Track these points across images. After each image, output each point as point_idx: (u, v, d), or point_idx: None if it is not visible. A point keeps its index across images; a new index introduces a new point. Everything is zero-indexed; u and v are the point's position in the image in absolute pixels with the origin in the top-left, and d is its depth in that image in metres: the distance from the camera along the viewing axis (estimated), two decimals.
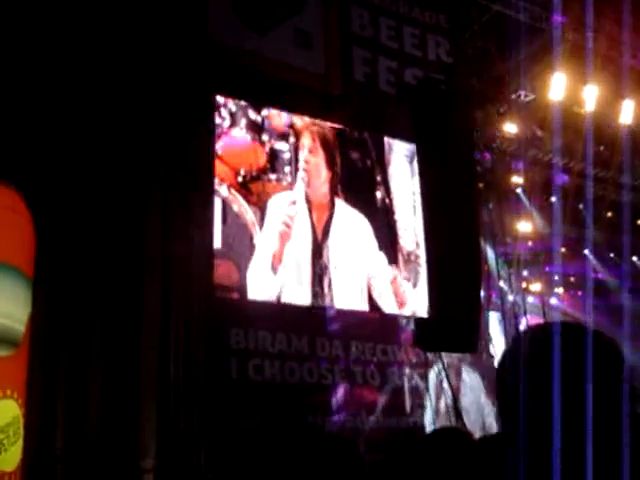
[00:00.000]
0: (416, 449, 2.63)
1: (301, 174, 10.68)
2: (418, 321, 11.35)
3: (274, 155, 10.85)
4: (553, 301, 13.89)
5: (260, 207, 10.47)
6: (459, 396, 11.96)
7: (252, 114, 10.76)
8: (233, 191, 10.28)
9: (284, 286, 10.20)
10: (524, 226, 12.68)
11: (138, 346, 8.18)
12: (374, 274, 11.11)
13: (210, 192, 9.80)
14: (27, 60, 7.80)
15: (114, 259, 8.28)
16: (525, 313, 12.71)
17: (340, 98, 11.40)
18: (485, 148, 12.38)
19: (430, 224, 11.32)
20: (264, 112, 10.89)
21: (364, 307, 11.05)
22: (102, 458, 7.83)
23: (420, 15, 12.70)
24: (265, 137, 10.86)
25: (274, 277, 10.12)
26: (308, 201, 10.68)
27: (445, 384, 11.74)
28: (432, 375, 11.67)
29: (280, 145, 10.96)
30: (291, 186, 10.90)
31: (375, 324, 11.35)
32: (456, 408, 11.62)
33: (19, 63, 7.73)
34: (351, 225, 11.03)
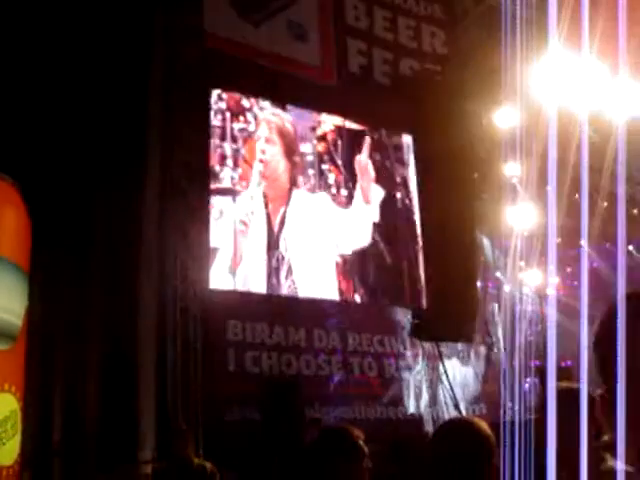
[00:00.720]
0: (432, 440, 2.64)
1: (258, 166, 10.60)
2: (415, 312, 11.37)
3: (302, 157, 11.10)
4: (549, 291, 13.88)
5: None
6: (450, 386, 11.95)
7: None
8: None
9: (242, 281, 10.20)
10: (520, 216, 12.69)
11: (135, 339, 8.19)
12: (340, 243, 11.19)
13: (206, 184, 9.81)
14: (25, 59, 7.78)
15: (110, 252, 8.28)
16: (521, 303, 12.73)
17: (335, 89, 11.40)
18: (480, 138, 12.37)
19: (426, 215, 11.34)
20: (289, 116, 11.07)
21: (330, 294, 11.01)
22: (100, 449, 7.85)
23: (415, 6, 12.69)
24: None
25: (232, 278, 10.09)
26: (265, 195, 10.59)
27: (443, 376, 11.75)
28: (426, 366, 11.67)
29: (305, 148, 11.14)
30: (314, 188, 11.06)
31: (371, 315, 11.36)
32: (454, 398, 11.63)
33: (17, 64, 7.71)
34: (310, 211, 10.96)
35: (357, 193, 11.36)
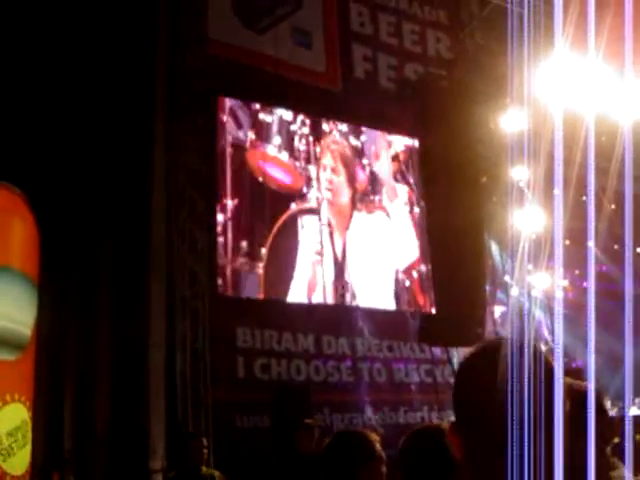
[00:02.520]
0: (400, 449, 2.62)
1: (326, 194, 10.86)
2: (423, 317, 11.35)
3: (374, 177, 11.57)
4: (558, 294, 13.83)
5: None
6: None
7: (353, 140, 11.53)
8: None
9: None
10: (528, 219, 12.66)
11: (145, 347, 8.20)
12: (399, 262, 11.48)
13: (213, 190, 9.82)
14: (32, 69, 7.81)
15: (119, 260, 8.29)
16: (530, 306, 12.68)
17: (341, 95, 11.42)
18: (488, 142, 12.34)
19: (433, 219, 11.32)
20: (363, 137, 11.58)
21: (389, 306, 11.39)
22: (111, 459, 7.85)
23: (420, 11, 12.68)
24: (365, 161, 11.53)
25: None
26: (329, 223, 10.95)
27: (452, 380, 11.71)
28: (435, 371, 11.63)
29: (378, 167, 11.59)
30: (372, 208, 11.43)
31: (381, 320, 11.35)
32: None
33: (24, 73, 7.74)
34: (369, 232, 11.27)
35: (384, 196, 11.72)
